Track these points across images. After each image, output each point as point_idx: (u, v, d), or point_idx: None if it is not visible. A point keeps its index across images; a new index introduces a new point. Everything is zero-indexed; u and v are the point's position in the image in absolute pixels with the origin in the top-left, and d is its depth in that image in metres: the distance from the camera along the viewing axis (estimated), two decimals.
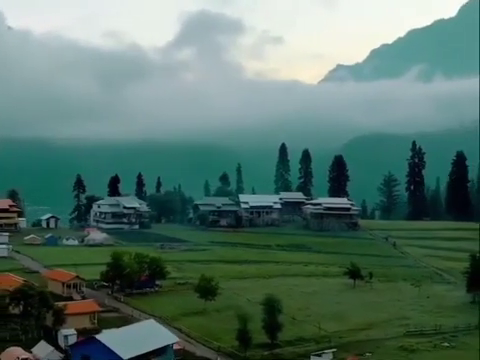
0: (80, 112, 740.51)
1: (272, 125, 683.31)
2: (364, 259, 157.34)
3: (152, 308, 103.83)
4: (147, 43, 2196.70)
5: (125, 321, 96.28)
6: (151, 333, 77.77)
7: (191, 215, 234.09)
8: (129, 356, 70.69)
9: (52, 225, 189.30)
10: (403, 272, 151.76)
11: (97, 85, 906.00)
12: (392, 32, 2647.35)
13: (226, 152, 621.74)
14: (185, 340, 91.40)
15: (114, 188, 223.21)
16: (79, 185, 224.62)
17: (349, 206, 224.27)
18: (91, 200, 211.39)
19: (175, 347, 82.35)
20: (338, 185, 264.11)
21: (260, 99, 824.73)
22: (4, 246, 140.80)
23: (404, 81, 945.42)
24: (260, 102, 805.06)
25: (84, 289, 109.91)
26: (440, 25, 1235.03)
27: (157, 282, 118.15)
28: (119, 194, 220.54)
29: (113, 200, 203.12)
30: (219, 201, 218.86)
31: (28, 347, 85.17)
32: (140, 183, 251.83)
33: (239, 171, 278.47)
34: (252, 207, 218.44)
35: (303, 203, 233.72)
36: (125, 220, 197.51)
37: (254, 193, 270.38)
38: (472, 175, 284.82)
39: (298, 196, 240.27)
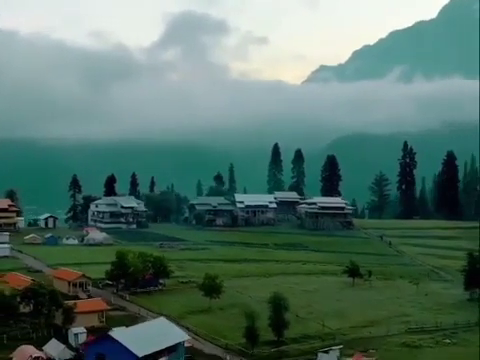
0: (67, 112, 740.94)
1: (257, 125, 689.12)
2: (360, 257, 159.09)
3: (158, 306, 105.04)
4: (133, 43, 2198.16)
5: (133, 319, 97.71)
6: (163, 331, 79.09)
7: (187, 214, 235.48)
8: (144, 353, 71.89)
9: (50, 225, 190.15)
10: (400, 270, 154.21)
11: (83, 85, 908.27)
12: (374, 33, 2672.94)
13: (212, 152, 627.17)
14: (193, 338, 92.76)
15: (110, 188, 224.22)
16: (75, 185, 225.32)
17: (343, 205, 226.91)
18: (88, 200, 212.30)
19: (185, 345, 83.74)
20: (330, 185, 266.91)
21: (245, 99, 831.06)
22: (6, 245, 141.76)
23: (386, 82, 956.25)
24: (245, 102, 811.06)
25: (90, 288, 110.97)
26: (421, 26, 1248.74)
27: (160, 281, 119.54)
28: (115, 194, 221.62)
29: (111, 200, 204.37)
30: (215, 201, 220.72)
31: (38, 345, 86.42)
32: (134, 183, 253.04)
33: (231, 171, 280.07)
34: (248, 206, 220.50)
35: (297, 202, 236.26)
36: (123, 220, 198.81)
37: (246, 193, 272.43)
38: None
39: (292, 195, 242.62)
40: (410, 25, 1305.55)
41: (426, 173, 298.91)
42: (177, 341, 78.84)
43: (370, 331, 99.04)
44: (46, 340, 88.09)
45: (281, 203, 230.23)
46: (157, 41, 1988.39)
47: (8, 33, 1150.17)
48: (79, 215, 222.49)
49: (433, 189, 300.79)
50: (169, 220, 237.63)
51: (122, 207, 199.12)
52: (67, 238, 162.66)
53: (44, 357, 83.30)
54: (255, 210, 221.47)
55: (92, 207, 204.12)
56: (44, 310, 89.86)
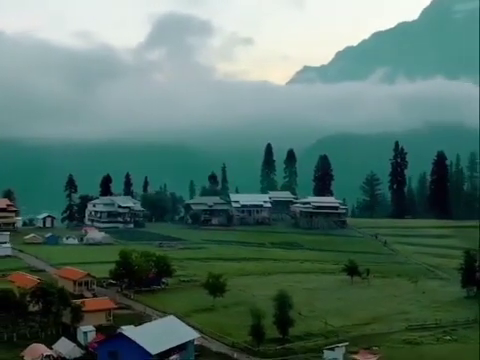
0: (52, 111, 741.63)
1: (243, 125, 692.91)
2: (357, 256, 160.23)
3: (163, 305, 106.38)
4: (119, 44, 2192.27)
5: (139, 318, 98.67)
6: (174, 329, 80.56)
7: (182, 214, 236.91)
8: (157, 351, 73.42)
9: (48, 224, 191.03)
10: (396, 268, 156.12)
11: (69, 85, 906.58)
12: (356, 34, 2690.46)
13: (199, 152, 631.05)
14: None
15: (106, 188, 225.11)
16: (71, 185, 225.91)
17: (337, 205, 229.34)
18: (85, 200, 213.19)
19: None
20: (323, 184, 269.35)
21: (231, 100, 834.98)
22: (7, 245, 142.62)
23: (369, 83, 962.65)
24: (231, 103, 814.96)
25: (95, 287, 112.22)
26: (403, 28, 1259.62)
27: (163, 280, 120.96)
28: (111, 193, 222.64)
29: (108, 199, 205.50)
30: (210, 200, 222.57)
31: (47, 344, 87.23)
32: (128, 183, 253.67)
33: (224, 171, 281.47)
34: (243, 206, 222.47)
35: (291, 202, 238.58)
36: (120, 219, 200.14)
37: (238, 192, 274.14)
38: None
39: (286, 195, 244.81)
40: (392, 26, 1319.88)
41: (410, 172, 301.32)
42: (188, 339, 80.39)
43: (372, 328, 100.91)
44: (54, 339, 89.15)
45: (275, 203, 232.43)
46: (143, 42, 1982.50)
47: None
48: (75, 215, 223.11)
49: (419, 188, 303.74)
50: (164, 220, 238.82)
51: (119, 207, 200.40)
52: (67, 238, 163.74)
53: (54, 355, 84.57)
54: (250, 210, 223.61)
55: (89, 207, 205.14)
56: (53, 309, 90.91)
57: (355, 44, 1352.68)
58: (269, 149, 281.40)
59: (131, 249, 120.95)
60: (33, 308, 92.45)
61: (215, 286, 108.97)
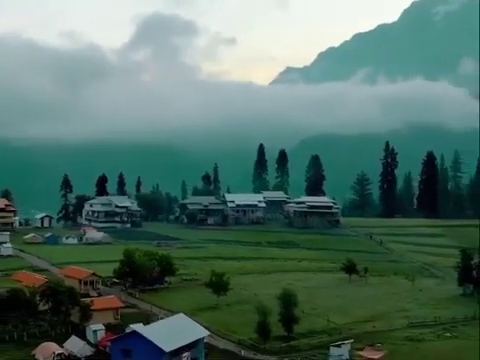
0: (39, 112, 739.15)
1: (228, 125, 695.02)
2: (352, 255, 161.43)
3: (168, 304, 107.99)
4: (104, 44, 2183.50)
5: (146, 316, 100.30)
6: (184, 327, 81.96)
7: (177, 214, 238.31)
8: (170, 349, 74.90)
9: (46, 224, 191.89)
10: (392, 267, 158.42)
11: (55, 85, 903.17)
12: (338, 36, 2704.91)
13: (185, 151, 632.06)
14: None
15: (102, 187, 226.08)
16: (66, 185, 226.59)
17: (331, 204, 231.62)
18: (81, 200, 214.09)
19: None
20: (315, 184, 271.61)
21: (215, 100, 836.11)
22: (8, 245, 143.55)
23: (351, 83, 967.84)
24: (215, 103, 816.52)
25: (100, 286, 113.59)
26: (383, 29, 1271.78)
27: (166, 278, 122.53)
28: (107, 193, 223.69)
29: (105, 199, 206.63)
30: (206, 200, 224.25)
31: (56, 342, 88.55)
32: (121, 183, 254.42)
33: (216, 171, 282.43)
34: (238, 206, 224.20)
35: (284, 201, 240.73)
36: (117, 219, 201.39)
37: (229, 192, 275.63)
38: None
39: (280, 195, 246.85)
40: (373, 28, 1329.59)
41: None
42: (199, 337, 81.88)
43: (373, 326, 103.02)
44: (64, 337, 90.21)
45: (269, 202, 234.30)
46: (128, 42, 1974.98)
47: None
48: (70, 215, 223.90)
49: (404, 188, 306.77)
50: (158, 219, 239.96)
51: (117, 206, 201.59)
52: (67, 237, 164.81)
53: (66, 354, 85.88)
54: (245, 209, 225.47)
55: (87, 206, 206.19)
56: (62, 308, 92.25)
57: (337, 45, 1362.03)
58: (261, 149, 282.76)
59: (135, 248, 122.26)
60: (43, 307, 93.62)
61: (218, 285, 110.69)
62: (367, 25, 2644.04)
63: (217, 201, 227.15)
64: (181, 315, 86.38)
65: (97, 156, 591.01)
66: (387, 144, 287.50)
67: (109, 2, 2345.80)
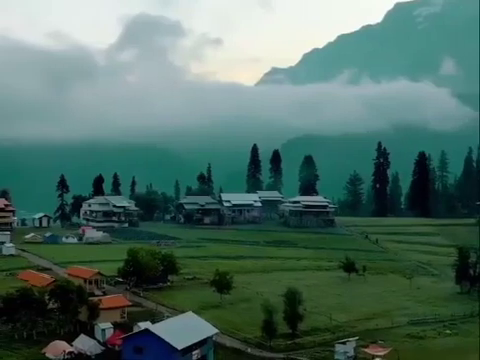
0: (24, 112, 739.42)
1: (214, 126, 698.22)
2: (349, 254, 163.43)
3: (172, 302, 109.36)
4: (90, 45, 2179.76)
5: (152, 315, 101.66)
6: (194, 325, 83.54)
7: (173, 213, 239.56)
8: (182, 346, 76.48)
9: (44, 224, 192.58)
10: (389, 265, 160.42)
11: (41, 85, 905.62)
12: (322, 37, 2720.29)
13: (172, 152, 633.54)
14: None
15: (98, 187, 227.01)
16: (63, 185, 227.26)
17: (326, 204, 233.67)
18: (78, 199, 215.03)
19: None
20: (308, 184, 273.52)
21: (201, 100, 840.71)
22: (10, 244, 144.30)
23: (336, 84, 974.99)
24: (201, 103, 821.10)
25: (105, 285, 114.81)
26: (367, 30, 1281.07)
27: (168, 277, 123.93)
28: (103, 193, 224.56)
29: (103, 199, 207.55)
30: (202, 200, 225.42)
31: (66, 341, 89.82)
32: (116, 182, 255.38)
33: (209, 170, 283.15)
34: (234, 205, 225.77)
35: (279, 201, 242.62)
36: (115, 218, 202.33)
37: (222, 192, 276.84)
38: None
39: (274, 195, 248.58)
40: (357, 29, 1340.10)
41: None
42: (208, 334, 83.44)
43: (375, 323, 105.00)
44: (72, 336, 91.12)
45: (264, 202, 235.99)
46: (115, 42, 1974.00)
47: None
48: (67, 214, 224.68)
49: (392, 188, 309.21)
50: (154, 219, 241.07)
51: (114, 206, 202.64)
52: (66, 237, 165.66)
53: (75, 352, 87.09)
54: (241, 209, 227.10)
55: (84, 206, 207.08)
56: (71, 307, 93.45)
57: (321, 46, 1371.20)
58: (255, 150, 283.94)
59: (139, 248, 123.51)
60: (52, 306, 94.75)
61: (222, 283, 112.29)
62: (351, 26, 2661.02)
63: (213, 201, 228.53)
64: (190, 313, 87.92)
65: (85, 156, 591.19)
66: (379, 144, 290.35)
67: (96, 3, 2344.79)
